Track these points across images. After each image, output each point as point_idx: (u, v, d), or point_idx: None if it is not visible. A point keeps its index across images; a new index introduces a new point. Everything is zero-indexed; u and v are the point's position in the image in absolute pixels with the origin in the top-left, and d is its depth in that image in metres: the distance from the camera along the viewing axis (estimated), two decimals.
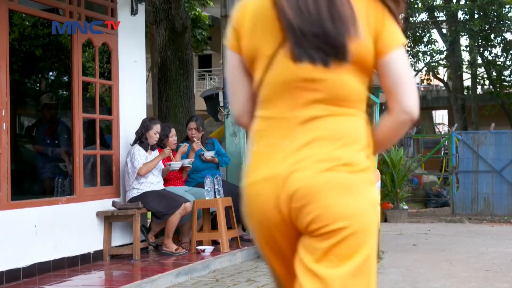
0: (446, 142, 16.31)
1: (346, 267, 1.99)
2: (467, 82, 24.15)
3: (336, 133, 2.05)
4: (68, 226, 7.02)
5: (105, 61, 8.69)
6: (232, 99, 2.29)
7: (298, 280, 2.04)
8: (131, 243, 7.62)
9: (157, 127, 7.84)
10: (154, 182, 7.76)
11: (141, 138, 7.74)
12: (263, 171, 2.07)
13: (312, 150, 2.02)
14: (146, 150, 7.75)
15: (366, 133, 2.11)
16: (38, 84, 11.02)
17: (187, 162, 8.29)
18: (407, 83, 2.08)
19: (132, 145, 7.75)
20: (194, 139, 8.53)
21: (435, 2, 18.36)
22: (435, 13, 19.04)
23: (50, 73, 11.09)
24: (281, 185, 2.03)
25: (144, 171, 7.61)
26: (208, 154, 8.58)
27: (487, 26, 18.43)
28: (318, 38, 2.02)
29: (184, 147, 8.32)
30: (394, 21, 2.09)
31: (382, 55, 2.08)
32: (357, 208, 2.00)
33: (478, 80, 23.04)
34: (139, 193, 7.64)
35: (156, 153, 7.91)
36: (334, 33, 2.02)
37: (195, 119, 8.75)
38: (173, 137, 8.35)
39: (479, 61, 19.49)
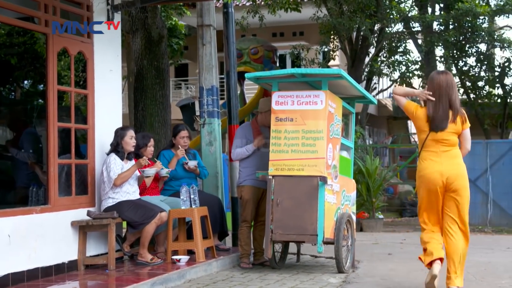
0: None
1: (460, 210, 6.38)
2: None
3: (454, 154, 6.40)
4: (42, 236, 6.96)
5: (80, 70, 8.64)
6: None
7: (444, 218, 6.46)
8: (106, 253, 7.57)
9: (130, 132, 7.82)
10: (129, 192, 7.73)
11: (116, 148, 7.71)
12: (432, 168, 6.33)
13: (450, 161, 6.36)
14: (122, 159, 7.71)
15: (460, 154, 6.46)
16: (13, 93, 10.93)
17: (164, 172, 8.28)
18: (468, 140, 6.52)
19: (108, 154, 7.71)
20: (180, 147, 8.56)
21: (410, 13, 18.48)
22: (411, 24, 19.15)
23: (26, 82, 11.01)
24: (442, 173, 6.30)
25: (120, 182, 7.58)
26: (192, 164, 8.60)
27: (462, 37, 18.61)
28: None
29: (160, 164, 8.26)
30: (465, 118, 6.49)
31: (462, 130, 6.44)
32: (466, 184, 6.40)
33: None
34: (114, 203, 7.61)
35: (132, 162, 7.87)
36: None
37: (185, 127, 8.76)
38: (151, 147, 8.34)
39: (454, 71, 19.62)
